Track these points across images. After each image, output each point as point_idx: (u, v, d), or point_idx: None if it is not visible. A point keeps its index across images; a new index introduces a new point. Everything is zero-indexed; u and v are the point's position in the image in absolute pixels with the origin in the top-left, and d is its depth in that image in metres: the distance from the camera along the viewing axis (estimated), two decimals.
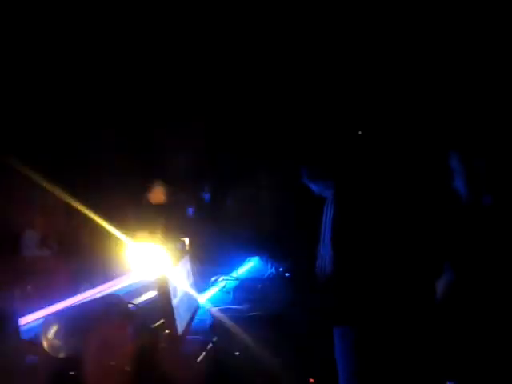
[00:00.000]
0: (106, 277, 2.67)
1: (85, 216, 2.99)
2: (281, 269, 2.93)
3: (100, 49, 3.54)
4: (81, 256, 3.13)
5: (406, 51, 3.44)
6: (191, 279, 2.31)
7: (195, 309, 2.24)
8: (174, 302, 1.90)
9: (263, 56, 4.04)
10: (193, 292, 2.28)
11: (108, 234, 2.91)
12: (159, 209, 3.38)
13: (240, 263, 3.29)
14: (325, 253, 2.27)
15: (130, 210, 3.26)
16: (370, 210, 2.25)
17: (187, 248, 3.16)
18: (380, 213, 2.22)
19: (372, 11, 3.43)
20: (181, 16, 3.67)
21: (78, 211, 3.03)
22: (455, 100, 3.02)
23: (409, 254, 2.10)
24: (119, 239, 2.94)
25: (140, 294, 2.44)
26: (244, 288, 2.62)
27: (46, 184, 3.03)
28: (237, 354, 1.88)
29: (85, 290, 2.50)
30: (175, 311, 1.86)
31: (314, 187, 2.31)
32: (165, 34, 3.74)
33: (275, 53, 4.00)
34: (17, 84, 3.22)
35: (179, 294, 2.00)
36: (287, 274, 2.85)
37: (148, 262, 2.84)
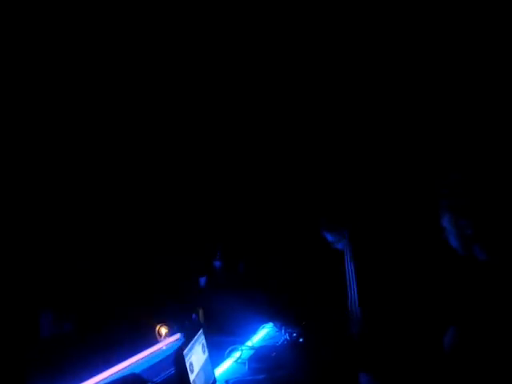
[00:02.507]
0: (125, 354, 2.72)
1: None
2: (294, 334, 2.96)
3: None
4: (99, 333, 3.19)
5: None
6: (207, 353, 2.37)
7: (212, 383, 2.28)
8: (192, 377, 1.96)
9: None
10: (209, 366, 2.34)
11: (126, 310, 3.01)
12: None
13: (254, 330, 3.33)
14: (354, 308, 2.69)
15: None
16: (383, 262, 2.50)
17: (201, 319, 3.23)
18: (391, 265, 2.46)
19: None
20: None
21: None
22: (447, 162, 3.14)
23: (420, 306, 2.24)
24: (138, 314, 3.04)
25: (158, 370, 2.49)
26: (259, 357, 2.65)
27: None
28: None
29: (103, 369, 2.55)
30: None
31: (329, 237, 2.73)
32: None
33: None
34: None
35: (196, 369, 2.07)
36: (301, 340, 2.88)
37: (164, 338, 2.91)
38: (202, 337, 2.37)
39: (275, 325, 3.35)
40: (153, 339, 2.97)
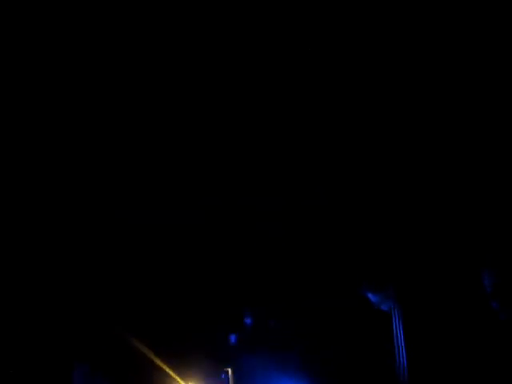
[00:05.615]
0: None
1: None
2: None
3: None
4: None
5: None
6: None
7: None
8: None
9: None
10: None
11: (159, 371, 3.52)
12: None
13: None
14: (402, 376, 2.57)
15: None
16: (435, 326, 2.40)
17: (231, 379, 3.51)
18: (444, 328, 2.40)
19: None
20: None
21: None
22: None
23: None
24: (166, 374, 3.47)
25: None
26: None
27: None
28: None
29: None
30: None
31: (372, 298, 2.58)
32: None
33: None
34: None
35: None
36: None
37: None
38: None
39: None
40: None
